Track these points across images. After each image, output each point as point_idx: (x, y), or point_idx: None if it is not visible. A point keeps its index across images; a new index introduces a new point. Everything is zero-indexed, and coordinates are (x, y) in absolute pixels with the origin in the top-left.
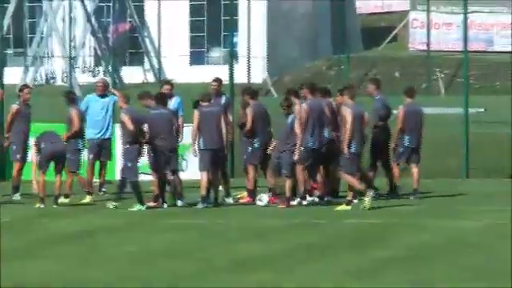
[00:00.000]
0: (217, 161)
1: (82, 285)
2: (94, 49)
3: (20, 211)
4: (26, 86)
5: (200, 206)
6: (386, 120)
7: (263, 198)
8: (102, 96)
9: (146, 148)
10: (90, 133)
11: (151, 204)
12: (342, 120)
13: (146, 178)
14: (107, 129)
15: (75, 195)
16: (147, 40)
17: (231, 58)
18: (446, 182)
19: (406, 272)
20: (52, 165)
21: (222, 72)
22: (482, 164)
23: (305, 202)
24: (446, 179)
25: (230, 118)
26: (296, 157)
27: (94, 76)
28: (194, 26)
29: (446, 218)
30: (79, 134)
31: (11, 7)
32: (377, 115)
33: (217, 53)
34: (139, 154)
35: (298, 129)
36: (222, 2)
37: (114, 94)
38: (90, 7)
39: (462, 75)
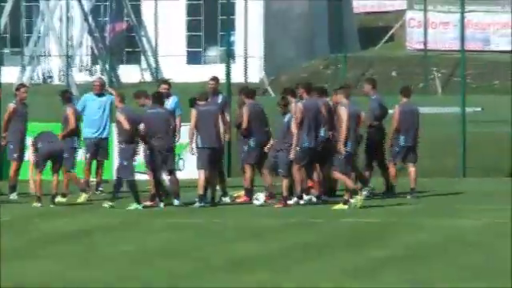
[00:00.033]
0: (215, 160)
1: (82, 285)
2: (91, 48)
3: (18, 210)
4: (22, 85)
5: (197, 205)
6: (381, 120)
7: (260, 197)
8: (99, 95)
9: (141, 147)
10: (87, 132)
11: (148, 203)
12: (338, 119)
13: (142, 177)
14: (104, 128)
15: (72, 194)
16: (144, 39)
17: (228, 57)
18: (443, 181)
19: (405, 271)
20: (49, 164)
21: (219, 71)
22: (479, 163)
23: (302, 202)
24: (444, 178)
25: (228, 117)
26: (291, 156)
27: (91, 75)
28: (191, 26)
29: (443, 217)
30: (75, 133)
31: (8, 6)
32: (372, 115)
33: (214, 52)
34: (135, 153)
35: (293, 128)
36: (219, 2)
37: (111, 94)
38: (87, 6)
39: (459, 74)
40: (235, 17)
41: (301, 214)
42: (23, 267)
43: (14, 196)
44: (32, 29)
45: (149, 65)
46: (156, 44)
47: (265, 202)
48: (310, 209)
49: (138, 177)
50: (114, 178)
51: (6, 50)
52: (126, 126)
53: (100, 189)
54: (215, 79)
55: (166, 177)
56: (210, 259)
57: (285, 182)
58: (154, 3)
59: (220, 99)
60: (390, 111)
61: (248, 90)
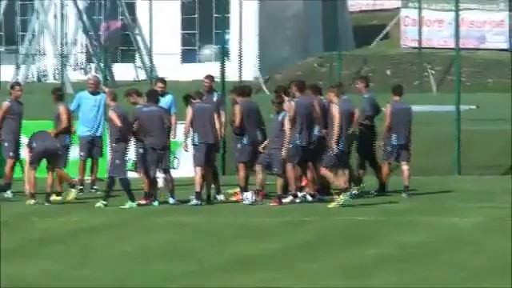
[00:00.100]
0: (210, 157)
1: (82, 285)
2: (86, 46)
3: (15, 209)
4: (17, 83)
5: (194, 202)
6: (373, 119)
7: (248, 197)
8: (94, 93)
9: (133, 145)
10: (82, 130)
11: (142, 202)
12: (330, 117)
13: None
14: (99, 126)
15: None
16: (139, 38)
17: (223, 55)
18: (438, 179)
19: (401, 271)
20: (44, 163)
21: (214, 70)
22: (474, 161)
23: (298, 200)
24: (438, 176)
25: (223, 115)
26: (283, 154)
27: (85, 73)
28: (186, 24)
29: (438, 215)
30: (67, 131)
31: (3, 4)
32: (363, 115)
33: (208, 50)
34: (127, 151)
35: (286, 126)
36: (214, 0)
37: (105, 92)
38: (82, 5)
39: (454, 72)
40: (230, 15)
41: (296, 213)
42: (22, 267)
43: (8, 194)
44: (27, 27)
45: (143, 63)
46: (151, 42)
47: (255, 200)
48: (305, 207)
49: (132, 175)
50: (106, 176)
51: (1, 49)
52: (118, 123)
53: (95, 187)
54: (210, 77)
55: (160, 175)
56: (209, 259)
57: (279, 181)
58: (148, 2)
59: (215, 97)
60: (383, 109)
61: (240, 89)
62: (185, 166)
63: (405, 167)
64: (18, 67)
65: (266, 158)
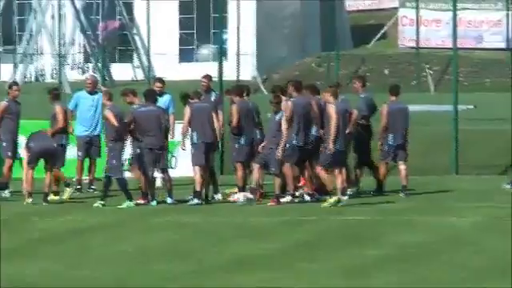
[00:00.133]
0: (209, 156)
1: (82, 285)
2: (84, 46)
3: (14, 208)
4: (14, 83)
5: (193, 202)
6: (368, 119)
7: (240, 197)
8: (92, 93)
9: (129, 145)
10: (79, 130)
11: (140, 201)
12: (327, 117)
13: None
14: (96, 126)
15: (63, 192)
16: (137, 37)
17: (220, 55)
18: (435, 178)
19: (400, 271)
20: (42, 163)
21: (212, 69)
22: (472, 161)
23: (296, 200)
24: (436, 176)
25: (221, 114)
26: (279, 153)
27: (83, 73)
28: (184, 24)
29: (436, 215)
30: (63, 130)
31: (0, 4)
32: (359, 114)
33: (206, 50)
34: (124, 150)
35: (283, 126)
36: (212, 0)
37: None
38: (80, 4)
39: (452, 72)
40: (228, 15)
41: (294, 212)
42: (22, 267)
43: (6, 193)
44: (24, 27)
45: (141, 63)
46: (148, 42)
47: (248, 199)
48: (303, 207)
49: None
50: (103, 176)
51: None
52: (114, 122)
53: (93, 187)
54: (207, 77)
55: (158, 175)
56: (209, 259)
57: (277, 181)
58: (146, 1)
59: (213, 97)
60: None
61: (236, 89)
62: (183, 165)
63: (402, 167)
64: (15, 67)
65: (263, 158)
